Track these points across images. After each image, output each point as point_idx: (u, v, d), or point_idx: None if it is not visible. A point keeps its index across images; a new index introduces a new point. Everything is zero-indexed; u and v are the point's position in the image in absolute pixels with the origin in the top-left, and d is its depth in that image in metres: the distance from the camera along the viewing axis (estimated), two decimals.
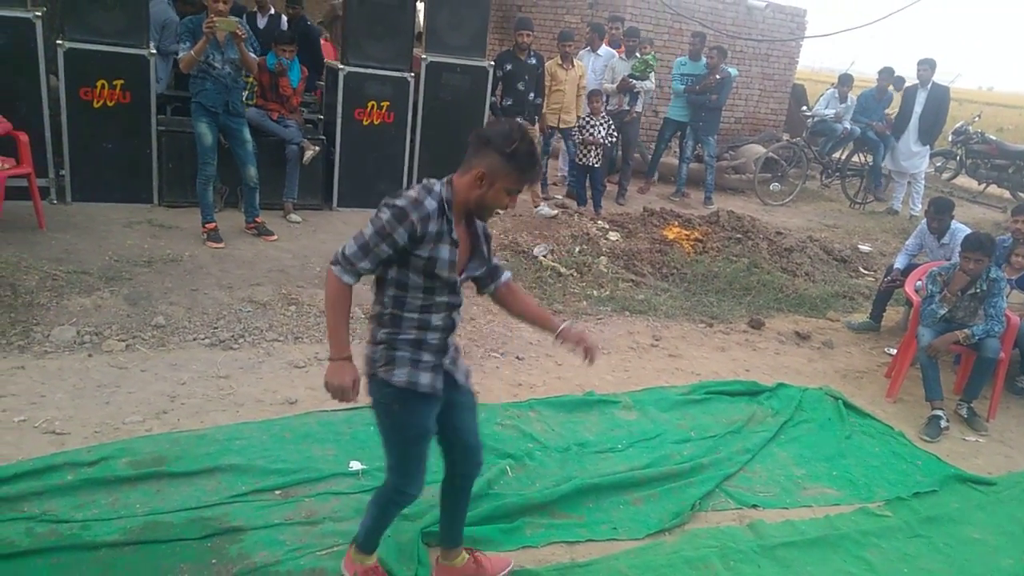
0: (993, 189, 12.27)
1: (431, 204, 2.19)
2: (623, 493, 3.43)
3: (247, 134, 5.69)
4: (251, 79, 6.31)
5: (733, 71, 9.30)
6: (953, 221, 5.57)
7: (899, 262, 5.76)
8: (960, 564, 3.29)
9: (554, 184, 8.95)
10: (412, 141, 7.06)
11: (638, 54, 8.42)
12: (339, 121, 6.74)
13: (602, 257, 6.37)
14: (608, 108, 8.14)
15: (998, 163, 11.88)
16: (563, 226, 6.85)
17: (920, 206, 9.52)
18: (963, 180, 12.90)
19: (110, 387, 3.70)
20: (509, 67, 7.26)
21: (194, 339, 4.28)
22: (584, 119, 7.71)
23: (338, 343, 2.28)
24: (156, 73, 6.18)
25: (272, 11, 7.80)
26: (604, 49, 8.81)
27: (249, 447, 3.36)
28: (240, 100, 5.64)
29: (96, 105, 5.91)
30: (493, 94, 7.30)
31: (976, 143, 12.15)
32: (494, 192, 2.24)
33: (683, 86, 8.89)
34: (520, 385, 4.34)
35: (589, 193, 7.88)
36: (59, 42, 5.74)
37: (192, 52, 5.20)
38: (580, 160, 7.76)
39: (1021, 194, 11.55)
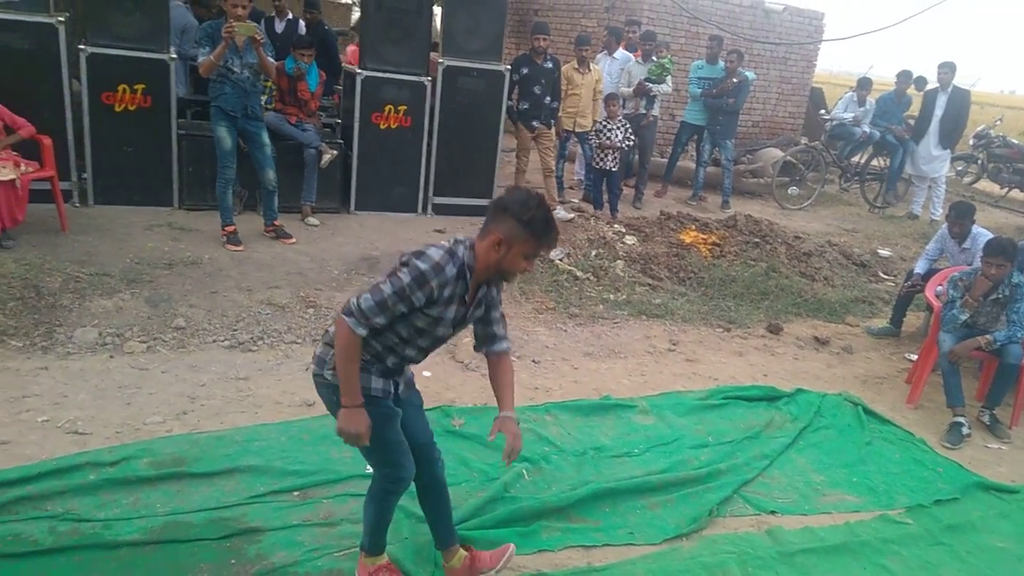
0: (1015, 193, 12.13)
1: (451, 271, 2.27)
2: (640, 498, 3.42)
3: (266, 138, 5.74)
4: (270, 83, 6.36)
5: (750, 75, 9.26)
6: (974, 225, 5.51)
7: (920, 267, 5.70)
8: (983, 573, 3.25)
9: (570, 188, 8.94)
10: (429, 145, 7.09)
11: (654, 58, 8.41)
12: (356, 125, 6.78)
13: (619, 261, 6.35)
14: (624, 112, 8.13)
15: (1020, 167, 11.76)
16: (579, 230, 6.85)
17: (941, 210, 9.42)
18: (985, 184, 12.77)
19: (131, 388, 3.73)
20: (525, 71, 7.27)
21: (213, 341, 4.31)
22: (601, 123, 7.70)
23: (352, 391, 2.32)
24: (176, 77, 6.25)
25: (290, 16, 7.87)
26: (621, 53, 8.80)
27: (268, 448, 3.38)
28: (259, 104, 5.69)
29: (118, 109, 5.99)
30: (509, 98, 7.31)
31: (998, 147, 12.02)
32: (511, 257, 2.31)
33: (700, 90, 8.87)
34: (536, 389, 4.34)
35: (606, 197, 7.87)
36: (81, 47, 5.81)
37: (212, 57, 5.25)
38: (597, 164, 7.75)
39: None
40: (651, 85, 8.30)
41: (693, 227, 7.25)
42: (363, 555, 2.67)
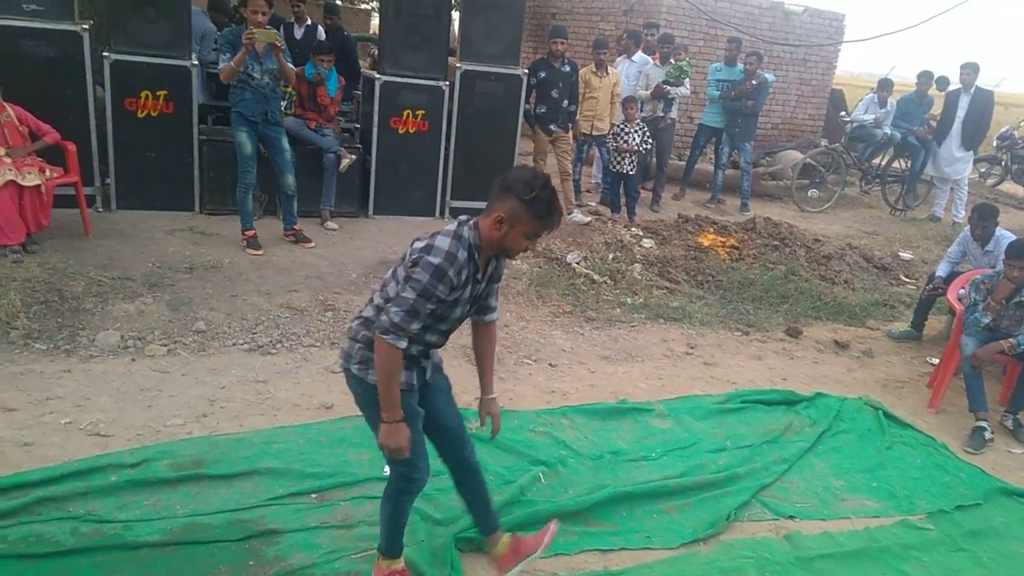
0: None
1: (463, 255, 2.29)
2: (657, 502, 3.40)
3: (285, 143, 5.79)
4: (289, 89, 6.42)
5: (769, 76, 9.20)
6: (998, 228, 5.43)
7: (941, 270, 5.64)
8: None
9: (587, 191, 8.93)
10: (447, 149, 7.12)
11: (673, 60, 8.39)
12: (375, 130, 6.83)
13: (636, 264, 6.34)
14: (642, 115, 8.11)
15: None
16: (596, 233, 6.84)
17: (963, 213, 9.30)
18: (1008, 186, 12.60)
19: (152, 391, 3.78)
20: (543, 75, 7.28)
21: (233, 344, 4.36)
22: (619, 126, 7.69)
23: (393, 407, 2.34)
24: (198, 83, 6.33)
25: (309, 22, 7.93)
26: (639, 55, 8.78)
27: (286, 451, 3.41)
28: (279, 110, 5.74)
29: (140, 115, 6.07)
30: (527, 102, 7.32)
31: (1022, 148, 11.85)
32: (513, 235, 2.32)
33: (718, 92, 8.83)
34: (553, 392, 4.33)
35: (623, 200, 7.85)
36: (105, 54, 5.90)
37: (232, 63, 5.31)
38: (615, 167, 7.74)
39: None
40: (669, 88, 8.28)
41: (711, 230, 7.22)
42: (380, 558, 2.68)
